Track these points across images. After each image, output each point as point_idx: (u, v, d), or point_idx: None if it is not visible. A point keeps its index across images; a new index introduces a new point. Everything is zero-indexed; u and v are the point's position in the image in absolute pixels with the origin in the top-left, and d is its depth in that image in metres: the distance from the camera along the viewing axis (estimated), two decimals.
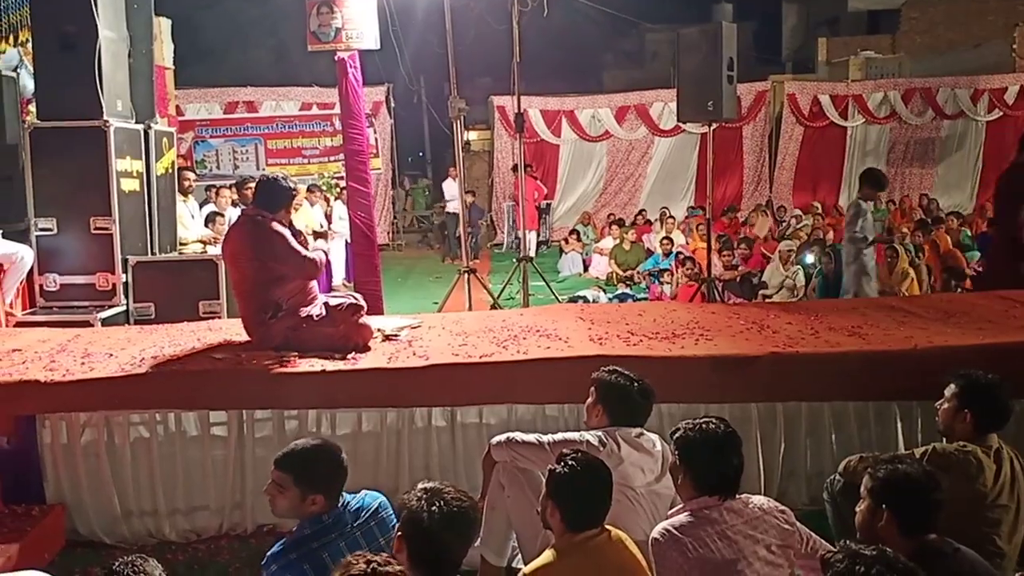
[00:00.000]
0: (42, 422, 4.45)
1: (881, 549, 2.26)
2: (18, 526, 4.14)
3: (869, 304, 6.29)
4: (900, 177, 18.87)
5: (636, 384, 3.58)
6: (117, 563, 2.14)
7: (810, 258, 10.74)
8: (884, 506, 2.72)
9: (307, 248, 4.91)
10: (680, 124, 15.25)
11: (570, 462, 2.85)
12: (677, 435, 2.97)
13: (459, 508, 2.53)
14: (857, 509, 2.84)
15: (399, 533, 2.55)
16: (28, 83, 7.45)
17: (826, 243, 11.21)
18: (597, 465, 2.91)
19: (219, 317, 6.67)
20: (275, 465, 3.01)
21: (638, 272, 12.77)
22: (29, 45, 7.39)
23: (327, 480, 2.98)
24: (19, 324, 6.46)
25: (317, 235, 9.94)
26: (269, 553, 2.93)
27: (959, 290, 9.55)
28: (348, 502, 3.02)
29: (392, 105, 18.19)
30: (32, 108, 7.21)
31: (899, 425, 4.65)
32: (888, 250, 9.95)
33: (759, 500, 2.95)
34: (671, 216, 15.41)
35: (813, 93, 18.84)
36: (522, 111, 9.28)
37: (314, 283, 5.01)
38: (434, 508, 2.49)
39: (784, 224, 15.06)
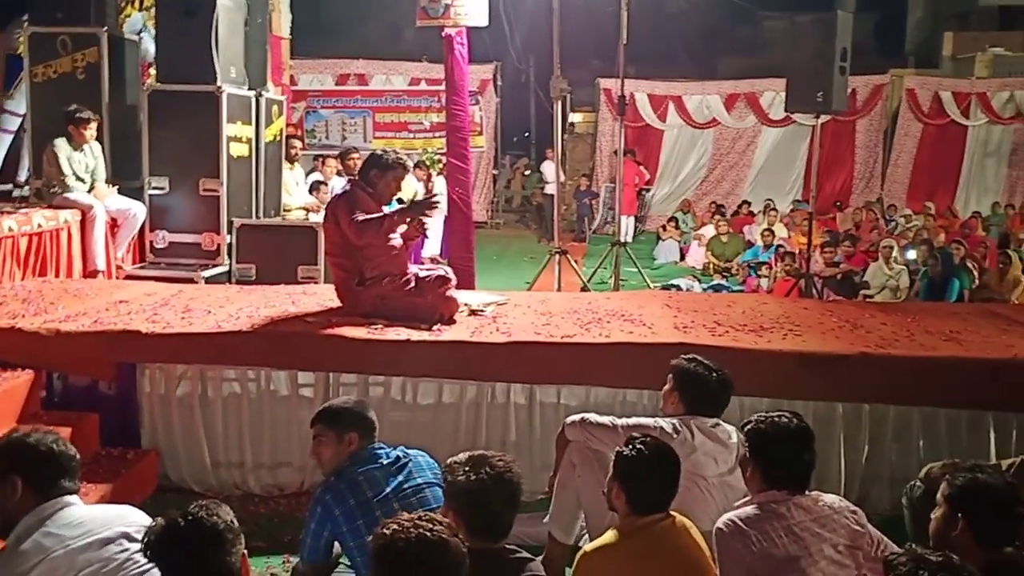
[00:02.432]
0: (142, 371, 4.67)
1: (947, 556, 2.19)
2: (113, 468, 4.36)
3: (972, 310, 6.06)
4: (1022, 181, 17.98)
5: (715, 374, 3.54)
6: (193, 506, 2.25)
7: (912, 254, 10.36)
8: (960, 514, 2.63)
9: (396, 229, 4.94)
10: (790, 115, 14.84)
11: (638, 445, 2.85)
12: (748, 427, 2.94)
13: (504, 473, 2.61)
14: (932, 516, 2.75)
15: (447, 501, 2.64)
16: (150, 47, 7.79)
17: (934, 244, 10.79)
18: (665, 450, 2.89)
19: (316, 282, 6.86)
20: (311, 425, 3.29)
21: (736, 264, 12.55)
22: (153, 11, 7.72)
23: (357, 420, 3.24)
24: (128, 277, 6.81)
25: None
26: None
27: None
28: (386, 447, 3.25)
29: (499, 84, 18.22)
30: (152, 71, 7.54)
31: (992, 436, 4.46)
32: (1001, 256, 9.55)
33: (830, 498, 2.89)
34: (774, 209, 15.06)
35: (934, 89, 18.01)
36: (628, 95, 9.20)
37: (405, 254, 5.10)
38: (479, 474, 2.58)
39: (892, 223, 14.56)
